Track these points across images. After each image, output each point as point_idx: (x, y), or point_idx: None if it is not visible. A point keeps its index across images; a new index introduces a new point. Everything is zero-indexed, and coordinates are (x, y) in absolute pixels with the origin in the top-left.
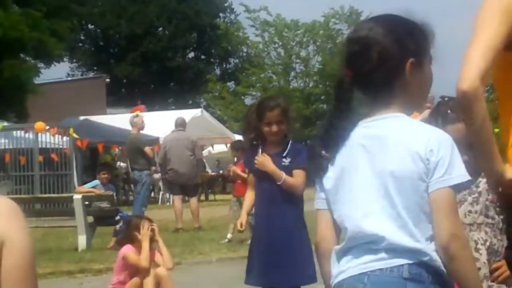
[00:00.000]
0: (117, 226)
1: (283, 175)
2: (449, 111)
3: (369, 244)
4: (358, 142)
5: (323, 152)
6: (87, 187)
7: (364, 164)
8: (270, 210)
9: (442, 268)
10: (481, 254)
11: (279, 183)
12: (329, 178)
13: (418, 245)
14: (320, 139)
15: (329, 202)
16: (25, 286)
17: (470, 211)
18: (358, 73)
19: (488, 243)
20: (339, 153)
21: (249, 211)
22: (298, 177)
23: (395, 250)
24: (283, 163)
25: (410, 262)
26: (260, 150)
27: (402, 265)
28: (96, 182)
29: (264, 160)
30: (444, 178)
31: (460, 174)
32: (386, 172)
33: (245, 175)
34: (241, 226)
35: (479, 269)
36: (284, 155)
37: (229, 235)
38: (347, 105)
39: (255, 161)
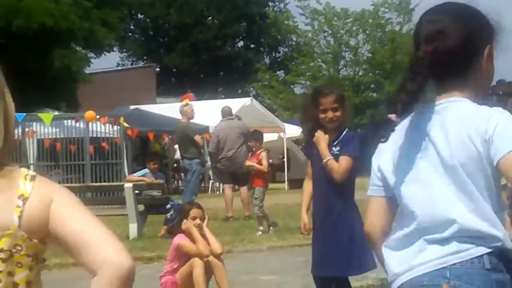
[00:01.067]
0: (168, 215)
1: (329, 156)
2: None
3: (438, 231)
4: (423, 125)
5: (390, 115)
6: (137, 175)
7: (430, 148)
8: (327, 198)
9: None
10: None
11: (322, 162)
12: (389, 160)
13: (493, 230)
14: (389, 103)
15: (388, 186)
16: (78, 210)
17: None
18: (438, 51)
19: None
20: (402, 135)
21: (308, 205)
22: (342, 163)
23: (469, 237)
24: (332, 152)
25: (488, 251)
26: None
27: (482, 255)
28: (146, 171)
29: (321, 136)
30: (504, 144)
31: None
32: (452, 157)
33: (261, 167)
34: (305, 230)
35: None
36: (335, 143)
37: (261, 227)
38: (423, 79)
39: (315, 136)
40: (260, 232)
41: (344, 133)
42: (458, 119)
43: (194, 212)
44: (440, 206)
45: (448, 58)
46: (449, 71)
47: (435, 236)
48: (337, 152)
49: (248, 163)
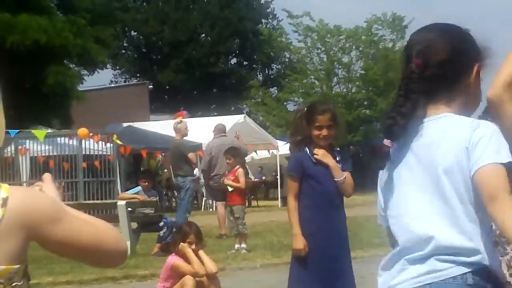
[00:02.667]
0: (161, 232)
1: (343, 173)
2: None
3: (417, 250)
4: (409, 142)
5: (385, 141)
6: (130, 193)
7: (415, 164)
8: (332, 216)
9: (493, 268)
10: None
11: (337, 179)
12: (383, 181)
13: (470, 244)
14: (386, 129)
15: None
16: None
17: None
18: (428, 64)
19: None
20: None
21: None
22: (351, 179)
23: (447, 255)
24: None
25: (470, 270)
26: (308, 151)
27: (465, 273)
28: (139, 188)
29: (325, 153)
30: (482, 157)
31: (504, 154)
32: (437, 167)
33: (238, 184)
34: (305, 251)
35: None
36: (338, 159)
37: (236, 246)
38: (417, 96)
39: (315, 153)
40: (244, 251)
41: (337, 151)
42: (442, 129)
43: (192, 238)
44: (420, 225)
45: (438, 70)
46: (438, 84)
47: (415, 255)
48: (342, 169)
49: (226, 181)
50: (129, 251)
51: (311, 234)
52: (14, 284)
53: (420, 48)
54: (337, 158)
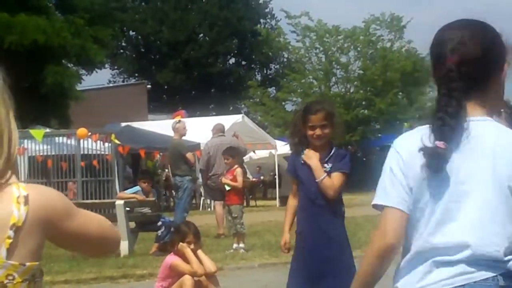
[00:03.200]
0: (159, 232)
1: (324, 174)
2: None
3: (454, 253)
4: (460, 146)
5: (437, 142)
6: (128, 193)
7: (468, 169)
8: (319, 215)
9: None
10: None
11: (317, 180)
12: (421, 179)
13: (505, 250)
14: (436, 130)
15: (413, 203)
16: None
17: None
18: (463, 60)
19: None
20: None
21: (291, 223)
22: (335, 180)
23: (480, 260)
24: (324, 169)
25: (501, 272)
26: (302, 155)
27: (497, 275)
28: (137, 188)
29: (312, 154)
30: None
31: None
32: (503, 178)
33: (235, 184)
34: (285, 247)
35: None
36: (326, 160)
37: (234, 245)
38: (458, 94)
39: (304, 154)
40: (242, 250)
41: (333, 150)
42: (494, 135)
43: (190, 237)
44: (463, 231)
45: (472, 68)
46: (473, 83)
47: (445, 258)
48: (330, 169)
49: (224, 180)
50: (127, 251)
51: (300, 233)
52: (36, 280)
53: (453, 45)
54: (326, 159)
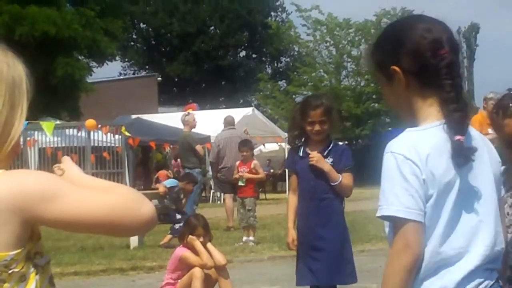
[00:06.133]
0: (177, 225)
1: (339, 176)
2: (511, 104)
3: (460, 261)
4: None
5: (458, 137)
6: (167, 184)
7: (481, 167)
8: (317, 209)
9: None
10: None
11: (334, 183)
12: (442, 183)
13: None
14: (459, 124)
15: (426, 212)
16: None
17: (508, 213)
18: (453, 52)
19: None
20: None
21: (295, 220)
22: (347, 179)
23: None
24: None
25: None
26: (301, 150)
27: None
28: (175, 181)
29: (320, 158)
30: None
31: None
32: (493, 177)
33: (259, 176)
34: (293, 244)
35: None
36: (325, 154)
37: (244, 238)
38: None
39: (310, 158)
40: (252, 243)
41: (332, 144)
42: (477, 132)
43: (200, 230)
44: (464, 237)
45: (457, 59)
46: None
47: (467, 264)
48: (332, 164)
49: (246, 175)
50: (137, 243)
51: (300, 228)
52: (11, 271)
53: (447, 36)
54: (324, 153)
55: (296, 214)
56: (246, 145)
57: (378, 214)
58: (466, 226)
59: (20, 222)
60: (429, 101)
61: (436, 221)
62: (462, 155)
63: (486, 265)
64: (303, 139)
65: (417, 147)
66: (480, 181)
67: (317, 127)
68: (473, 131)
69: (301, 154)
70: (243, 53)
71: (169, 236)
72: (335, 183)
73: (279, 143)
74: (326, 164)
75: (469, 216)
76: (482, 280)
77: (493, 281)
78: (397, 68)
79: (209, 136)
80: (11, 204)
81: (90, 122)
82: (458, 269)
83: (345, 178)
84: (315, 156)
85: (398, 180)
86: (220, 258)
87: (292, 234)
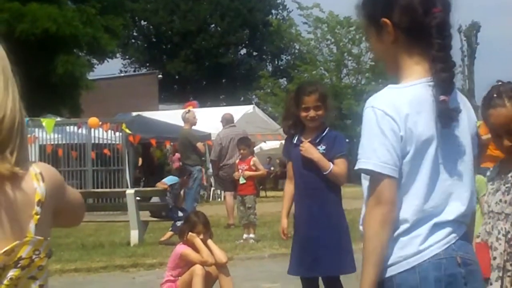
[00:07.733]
0: (178, 222)
1: (330, 164)
2: (495, 95)
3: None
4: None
5: (441, 97)
6: (167, 182)
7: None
8: (310, 199)
9: None
10: (500, 244)
11: (325, 172)
12: (420, 141)
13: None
14: (446, 84)
15: (402, 169)
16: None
17: (500, 200)
18: (445, 11)
19: (509, 235)
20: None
21: (289, 209)
22: (340, 166)
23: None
24: (317, 151)
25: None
26: (296, 138)
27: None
28: (176, 179)
29: (310, 147)
30: None
31: None
32: (470, 138)
33: (260, 172)
34: (284, 235)
35: (495, 258)
36: (317, 141)
37: (244, 236)
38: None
39: (300, 148)
40: (252, 241)
41: (326, 131)
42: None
43: (200, 228)
44: (443, 194)
45: (448, 19)
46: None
47: (442, 220)
48: (323, 151)
49: (246, 173)
50: (137, 240)
51: (296, 216)
52: (51, 256)
53: None
54: (317, 140)
55: (291, 202)
56: (243, 142)
57: (356, 167)
58: (444, 184)
59: (54, 209)
60: (415, 59)
61: (414, 178)
62: (447, 116)
63: (457, 218)
64: (297, 129)
65: (396, 104)
66: (458, 141)
67: (311, 113)
68: (455, 91)
69: (295, 142)
70: (243, 51)
71: (170, 233)
72: (326, 172)
73: (279, 141)
74: (315, 153)
75: (446, 174)
76: (451, 230)
77: (459, 236)
78: (387, 21)
79: (209, 134)
80: (53, 191)
81: (93, 120)
82: (433, 224)
83: (337, 166)
84: (304, 145)
85: (377, 135)
86: (221, 255)
87: (284, 223)
